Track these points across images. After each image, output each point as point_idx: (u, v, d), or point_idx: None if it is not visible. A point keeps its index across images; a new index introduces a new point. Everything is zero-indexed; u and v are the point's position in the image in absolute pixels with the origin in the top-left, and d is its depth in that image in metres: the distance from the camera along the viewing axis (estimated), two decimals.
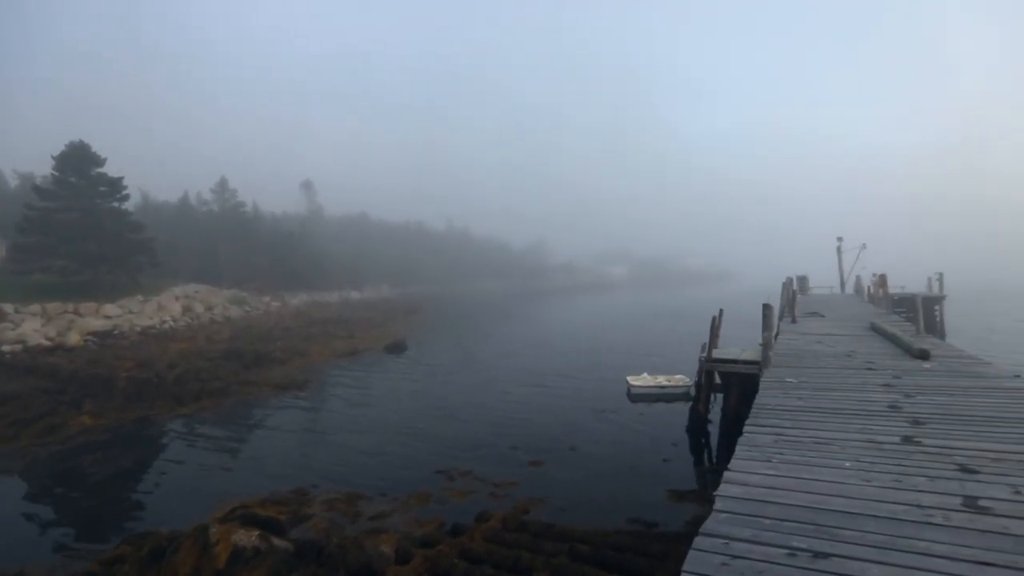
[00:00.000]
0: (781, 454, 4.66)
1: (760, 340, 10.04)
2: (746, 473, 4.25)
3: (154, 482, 11.33)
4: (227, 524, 8.31)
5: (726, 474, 4.25)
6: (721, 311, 13.90)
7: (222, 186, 58.96)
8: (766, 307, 9.65)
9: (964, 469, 4.17)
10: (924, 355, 9.47)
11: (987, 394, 6.76)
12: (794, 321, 16.73)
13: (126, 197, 37.65)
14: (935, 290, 29.58)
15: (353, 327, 40.52)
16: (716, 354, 12.50)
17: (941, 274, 30.27)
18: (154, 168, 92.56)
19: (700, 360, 12.84)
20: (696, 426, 13.18)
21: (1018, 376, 7.91)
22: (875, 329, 13.71)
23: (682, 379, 17.35)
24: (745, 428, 5.48)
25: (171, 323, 33.65)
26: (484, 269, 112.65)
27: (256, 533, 7.75)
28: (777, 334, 14.96)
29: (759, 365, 9.97)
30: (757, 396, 7.00)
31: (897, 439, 5.00)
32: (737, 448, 4.84)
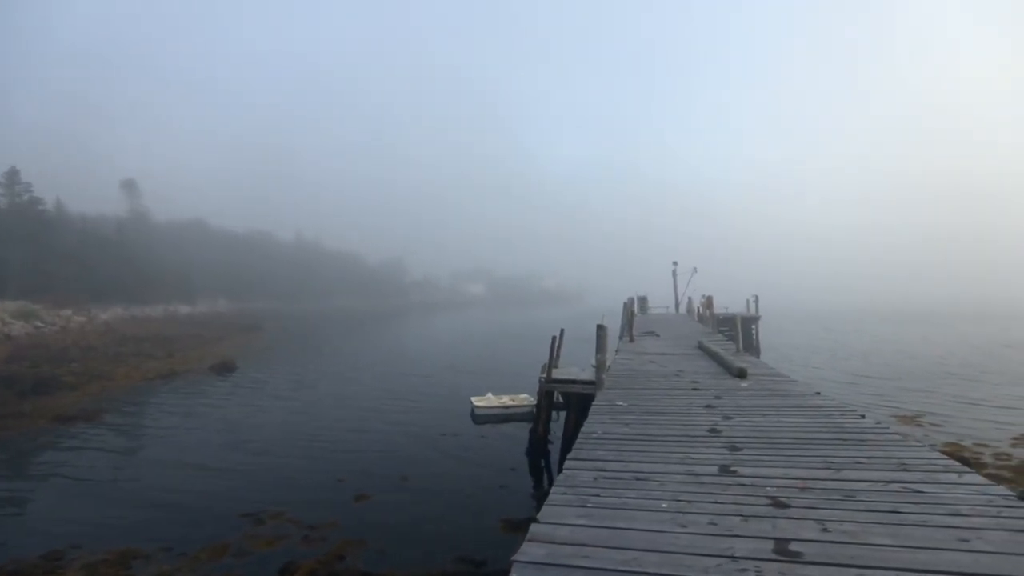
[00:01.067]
0: (598, 496, 4.14)
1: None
2: (555, 525, 3.64)
3: None
4: None
5: (532, 528, 3.61)
6: (562, 331, 13.85)
7: (11, 178, 49.47)
8: (600, 328, 9.50)
9: (776, 503, 3.93)
10: (742, 374, 9.92)
11: (793, 413, 6.99)
12: (632, 340, 17.29)
13: None
14: (752, 311, 32.93)
15: (175, 346, 36.00)
16: (556, 374, 12.32)
17: (757, 296, 33.83)
18: None
19: (540, 380, 12.59)
20: (536, 449, 12.85)
21: (818, 393, 8.45)
22: (702, 348, 14.47)
23: (526, 398, 17.11)
24: (565, 464, 4.96)
25: None
26: (337, 284, 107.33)
27: None
28: (618, 350, 15.29)
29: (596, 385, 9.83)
30: (585, 423, 6.63)
31: (715, 469, 4.75)
32: (552, 491, 4.26)
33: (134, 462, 12.97)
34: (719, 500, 4.00)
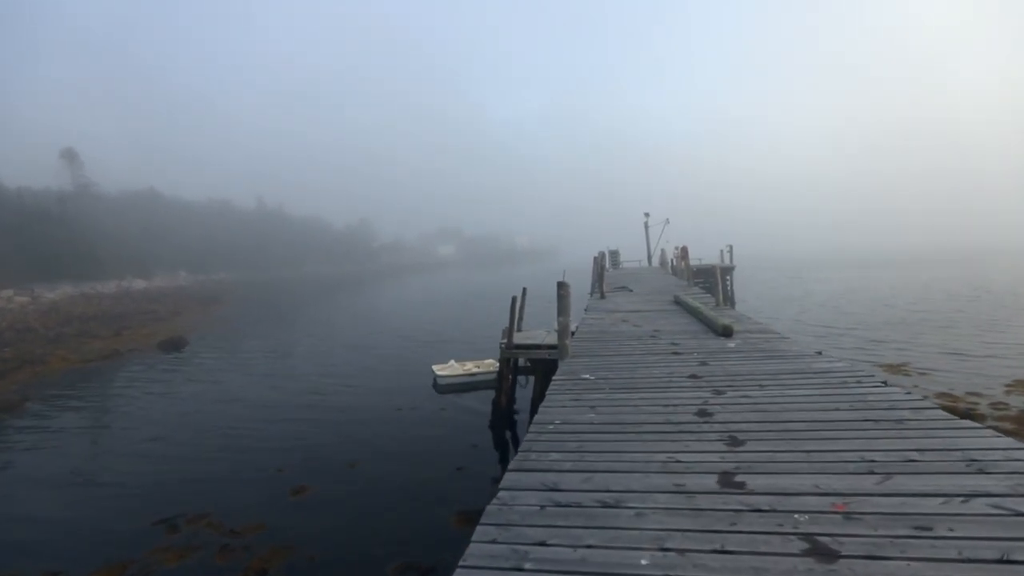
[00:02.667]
0: (544, 543, 2.70)
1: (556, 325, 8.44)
2: None
3: None
4: None
5: None
6: (524, 290, 12.39)
7: None
8: (561, 286, 8.02)
9: (816, 549, 2.54)
10: (728, 332, 8.61)
11: (797, 382, 5.65)
12: (602, 297, 15.93)
13: None
14: (726, 261, 31.91)
15: (125, 323, 33.81)
16: (518, 339, 10.92)
17: (731, 246, 32.78)
18: None
19: (500, 346, 11.18)
20: (499, 421, 11.54)
21: (819, 353, 7.17)
22: (679, 303, 13.17)
23: (492, 364, 15.70)
24: (504, 478, 3.51)
25: None
26: (304, 251, 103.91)
27: None
28: (587, 308, 13.94)
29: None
30: (540, 408, 5.18)
31: (713, 480, 3.35)
32: (475, 535, 2.79)
33: (39, 463, 11.26)
34: (727, 545, 2.59)
